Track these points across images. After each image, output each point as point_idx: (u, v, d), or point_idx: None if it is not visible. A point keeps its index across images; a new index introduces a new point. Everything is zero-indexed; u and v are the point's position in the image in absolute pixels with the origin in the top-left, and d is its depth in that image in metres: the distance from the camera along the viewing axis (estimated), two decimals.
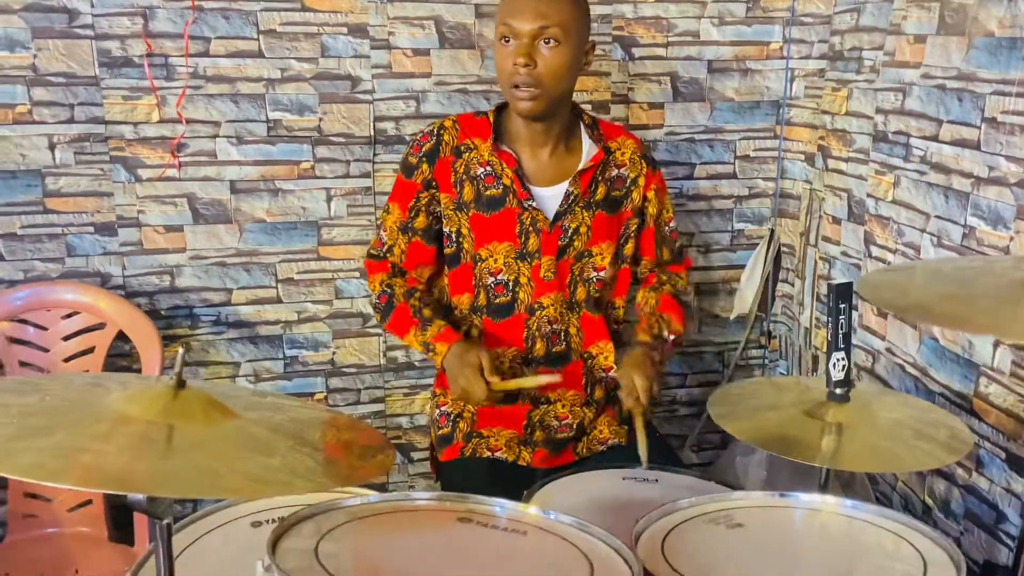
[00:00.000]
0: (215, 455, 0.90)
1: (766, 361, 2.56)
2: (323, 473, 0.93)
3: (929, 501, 1.94)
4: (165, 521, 0.96)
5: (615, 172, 1.80)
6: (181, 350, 0.97)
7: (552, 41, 1.62)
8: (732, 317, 2.51)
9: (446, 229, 1.77)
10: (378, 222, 1.85)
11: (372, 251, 1.85)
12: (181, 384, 0.97)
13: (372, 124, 2.19)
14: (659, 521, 1.21)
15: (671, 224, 1.90)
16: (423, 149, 1.75)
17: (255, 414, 1.01)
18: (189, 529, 1.23)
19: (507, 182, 1.73)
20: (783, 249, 2.47)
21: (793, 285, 2.47)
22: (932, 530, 1.16)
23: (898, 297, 1.27)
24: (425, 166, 1.75)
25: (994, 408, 1.73)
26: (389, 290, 1.79)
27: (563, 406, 1.82)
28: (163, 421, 0.94)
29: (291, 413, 1.05)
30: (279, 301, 2.25)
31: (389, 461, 1.01)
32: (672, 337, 1.80)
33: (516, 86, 1.64)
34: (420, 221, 1.78)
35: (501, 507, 1.16)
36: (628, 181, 1.81)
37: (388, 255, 1.81)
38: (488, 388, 1.65)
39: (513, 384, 1.72)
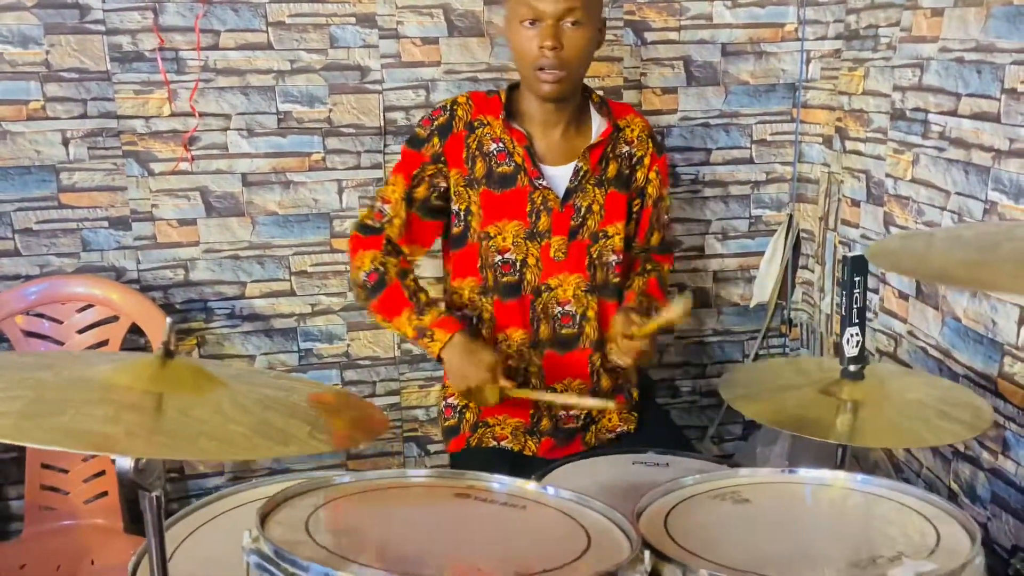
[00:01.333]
0: (202, 420, 0.89)
1: (787, 350, 2.51)
2: (313, 435, 0.91)
3: (955, 486, 1.88)
4: (154, 493, 0.95)
5: (625, 149, 1.78)
6: (169, 319, 0.97)
7: (576, 23, 1.62)
8: (752, 305, 2.47)
9: (454, 207, 1.75)
10: (375, 194, 1.81)
11: (367, 222, 1.76)
12: (169, 354, 0.96)
13: (382, 114, 2.19)
14: (664, 498, 1.18)
15: (668, 214, 1.88)
16: (435, 123, 1.74)
17: (244, 385, 0.99)
18: (190, 519, 1.23)
19: (519, 160, 1.71)
20: (802, 235, 2.42)
21: (813, 271, 2.42)
22: (944, 501, 1.12)
23: (918, 264, 1.23)
24: (436, 139, 1.73)
25: (1020, 388, 1.67)
26: (382, 267, 1.72)
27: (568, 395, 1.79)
28: (152, 389, 0.93)
29: (283, 384, 1.04)
30: (293, 294, 2.25)
31: (380, 427, 0.99)
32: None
33: (542, 68, 1.63)
34: (421, 191, 1.74)
35: (500, 483, 1.14)
36: (634, 159, 1.79)
37: (387, 226, 1.74)
38: (500, 393, 1.64)
39: (534, 395, 1.70)
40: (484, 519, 1.05)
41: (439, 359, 1.70)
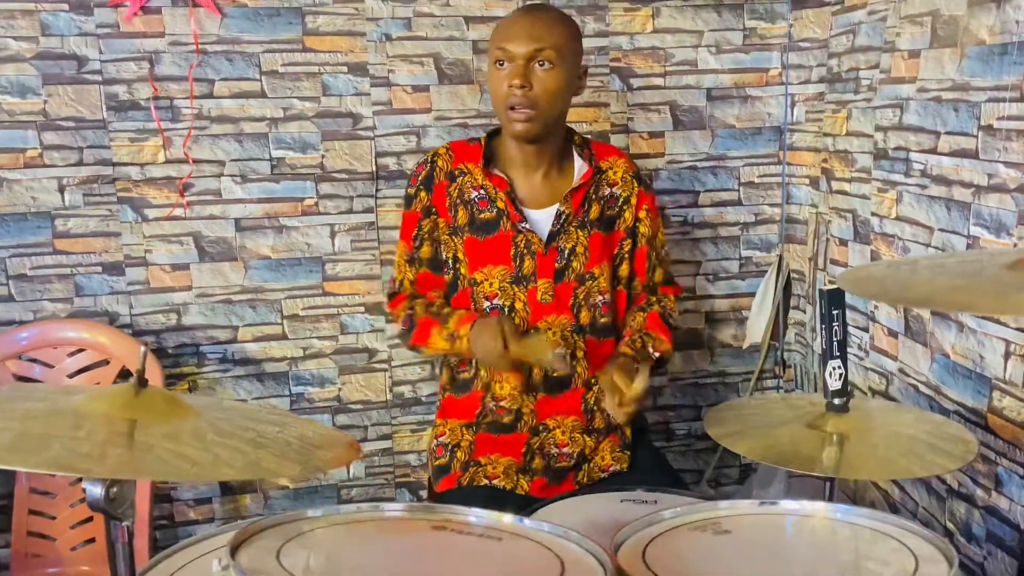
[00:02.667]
0: (172, 444, 0.89)
1: (781, 391, 2.50)
2: (283, 458, 0.91)
3: (951, 526, 1.85)
4: (124, 524, 0.95)
5: (608, 191, 1.80)
6: (143, 348, 0.97)
7: (547, 63, 1.64)
8: (745, 347, 2.47)
9: (444, 255, 1.78)
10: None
11: (388, 290, 1.88)
12: (143, 383, 0.97)
13: (374, 160, 2.23)
14: (644, 530, 1.17)
15: (665, 248, 1.89)
16: (420, 177, 1.78)
17: (217, 414, 1.00)
18: (174, 559, 1.22)
19: (501, 205, 1.73)
20: (793, 275, 2.43)
21: (805, 312, 2.42)
22: (923, 529, 1.11)
23: (900, 289, 1.23)
24: (423, 193, 1.77)
25: (1010, 423, 1.66)
26: (411, 311, 1.79)
27: (563, 432, 1.79)
28: (125, 416, 0.94)
29: (254, 415, 1.04)
30: (285, 337, 2.26)
31: (351, 454, 0.99)
32: (657, 355, 1.77)
33: (512, 108, 1.65)
34: (425, 250, 1.79)
35: (477, 516, 1.13)
36: (620, 200, 1.80)
37: (400, 289, 1.83)
38: (505, 349, 1.59)
39: (526, 349, 1.62)
40: (459, 550, 1.04)
41: (470, 353, 1.70)
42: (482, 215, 1.74)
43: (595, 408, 1.79)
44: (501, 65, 1.66)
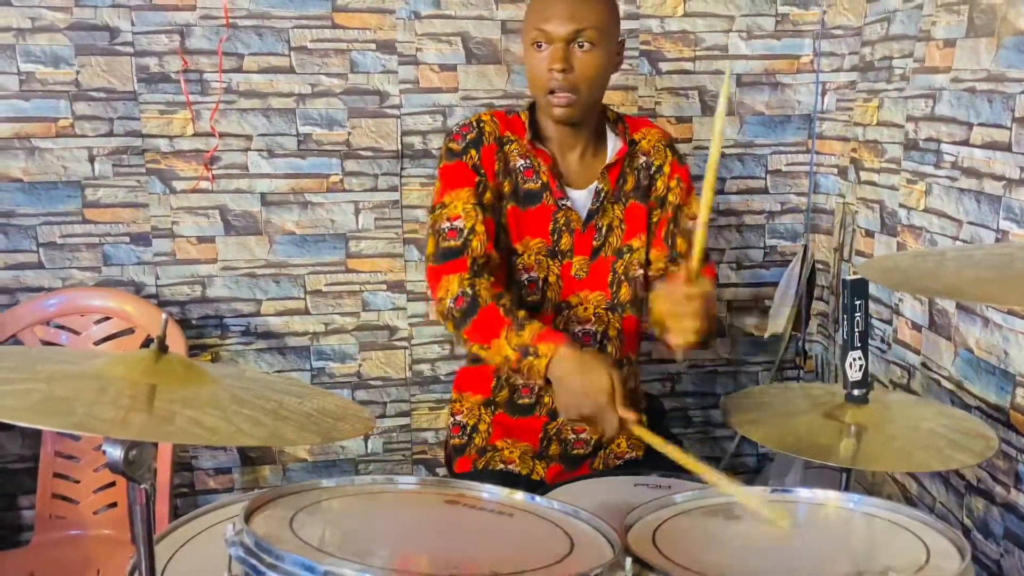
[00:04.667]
0: (195, 412, 0.91)
1: (801, 382, 2.48)
2: (301, 427, 0.92)
3: (968, 521, 1.84)
4: (143, 486, 0.97)
5: (641, 160, 1.75)
6: (164, 315, 0.99)
7: (587, 44, 1.58)
8: (766, 336, 2.45)
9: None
10: (431, 226, 1.63)
11: (445, 245, 1.59)
12: (164, 349, 0.99)
13: (400, 138, 2.23)
14: (656, 512, 1.17)
15: (696, 220, 1.80)
16: (467, 138, 1.67)
17: (234, 382, 1.01)
18: (194, 523, 1.25)
19: (544, 179, 1.69)
20: (817, 265, 2.41)
21: (828, 303, 2.40)
22: (937, 521, 1.10)
23: (925, 280, 1.20)
24: (473, 151, 1.66)
25: None
26: (471, 289, 1.54)
27: None
28: (144, 380, 0.95)
29: (270, 384, 1.06)
30: (307, 312, 2.28)
31: (365, 426, 1.00)
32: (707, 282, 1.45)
33: (552, 91, 1.60)
34: (487, 197, 1.64)
35: (490, 492, 1.14)
36: (653, 168, 1.75)
37: (469, 238, 1.58)
38: (622, 425, 1.37)
39: (658, 444, 1.36)
40: (470, 524, 1.05)
41: (547, 381, 1.45)
42: (526, 185, 1.69)
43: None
44: (539, 47, 1.60)
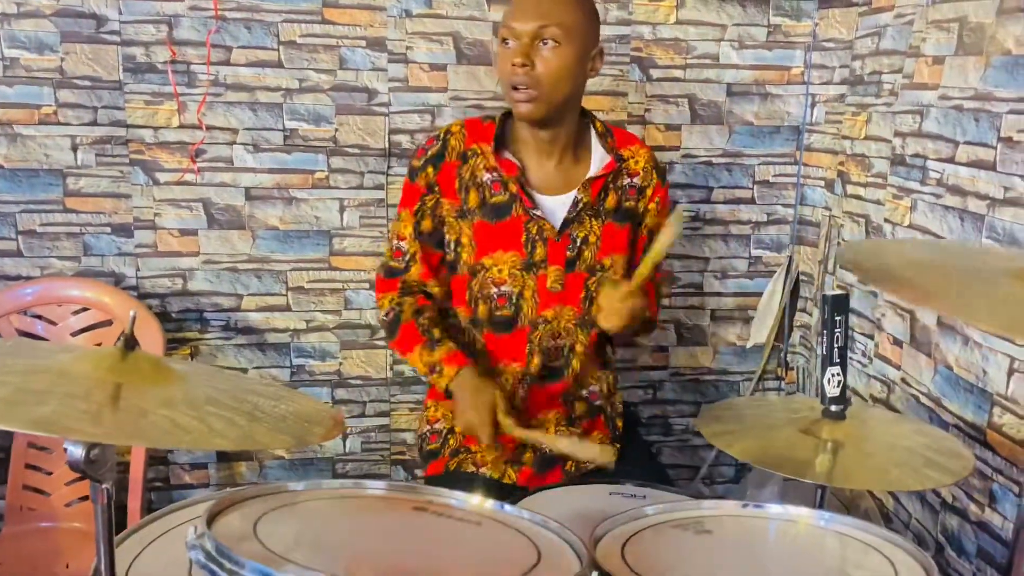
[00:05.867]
0: (156, 409, 0.90)
1: (783, 393, 2.48)
2: (270, 430, 0.91)
3: (942, 539, 1.84)
4: (105, 485, 0.95)
5: (627, 181, 1.74)
6: (132, 312, 0.97)
7: (551, 42, 1.58)
8: (748, 346, 2.45)
9: (447, 237, 1.75)
10: (391, 234, 1.80)
11: (391, 264, 1.77)
12: (131, 346, 0.97)
13: (387, 136, 2.22)
14: (626, 525, 1.17)
15: None
16: (428, 153, 1.72)
17: (205, 380, 1.00)
18: (156, 524, 1.23)
19: (513, 189, 1.68)
20: (801, 277, 2.41)
21: (811, 315, 2.40)
22: (905, 541, 1.09)
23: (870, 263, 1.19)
24: (430, 169, 1.71)
25: (1008, 440, 1.64)
26: (398, 307, 1.74)
27: (545, 429, 1.76)
28: (110, 379, 0.94)
29: (242, 383, 1.04)
30: (288, 309, 2.27)
31: (336, 430, 0.99)
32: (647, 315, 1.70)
33: (515, 87, 1.61)
34: (426, 224, 1.73)
35: (458, 499, 1.13)
36: (638, 191, 1.76)
37: (409, 264, 1.74)
38: (496, 433, 1.59)
39: (525, 436, 1.63)
40: (436, 532, 1.04)
41: (447, 393, 1.69)
42: (494, 198, 1.69)
43: (573, 398, 1.77)
44: (507, 44, 1.61)
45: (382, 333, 2.28)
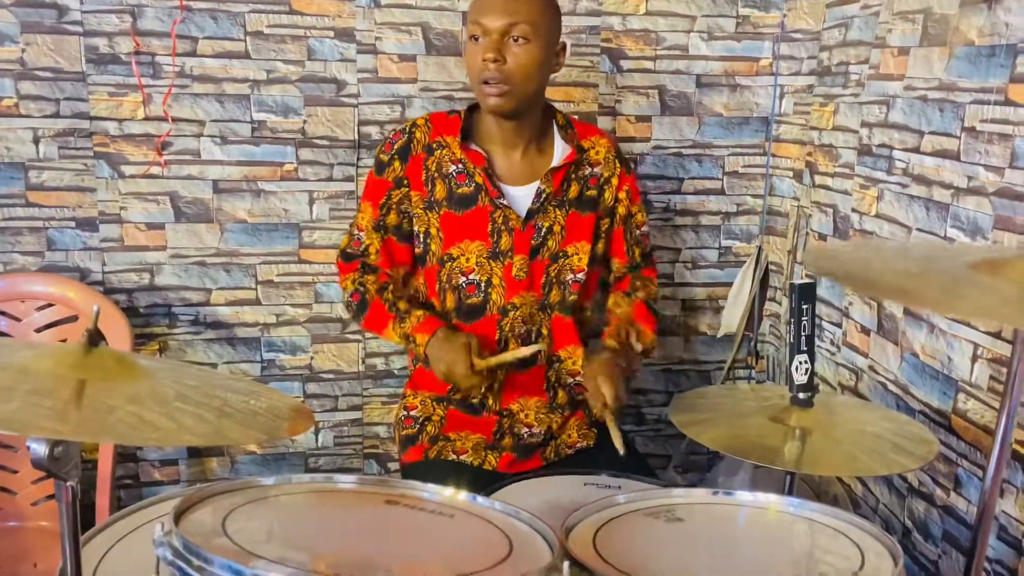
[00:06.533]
0: (121, 405, 0.88)
1: (753, 382, 2.51)
2: (240, 425, 0.90)
3: (909, 523, 1.87)
4: (69, 483, 0.94)
5: (588, 171, 1.79)
6: (96, 306, 0.96)
7: (521, 39, 1.62)
8: (719, 336, 2.47)
9: (416, 229, 1.76)
10: (352, 225, 1.82)
11: (348, 250, 1.81)
12: (95, 342, 0.96)
13: (356, 128, 2.20)
14: (598, 514, 1.17)
15: (643, 228, 1.88)
16: (395, 146, 1.75)
17: (173, 375, 0.99)
18: (124, 521, 1.22)
19: (479, 180, 1.72)
20: (771, 267, 2.43)
21: (780, 304, 2.42)
22: (872, 525, 1.11)
23: (852, 269, 1.21)
24: (397, 163, 1.74)
25: (972, 425, 1.67)
26: (362, 288, 1.76)
27: (525, 415, 1.78)
28: (74, 376, 0.92)
29: (210, 379, 1.03)
30: (258, 303, 2.25)
31: (305, 424, 0.98)
32: (640, 348, 1.74)
33: (485, 82, 1.64)
34: (392, 218, 1.76)
35: (430, 492, 1.13)
36: (601, 180, 1.80)
37: (364, 255, 1.79)
38: (472, 368, 1.61)
39: (495, 360, 1.66)
40: (409, 525, 1.04)
41: (425, 360, 1.70)
42: (460, 189, 1.72)
43: (557, 385, 1.79)
44: (476, 40, 1.65)
45: (354, 327, 2.28)
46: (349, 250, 1.81)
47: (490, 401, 1.77)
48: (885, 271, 1.07)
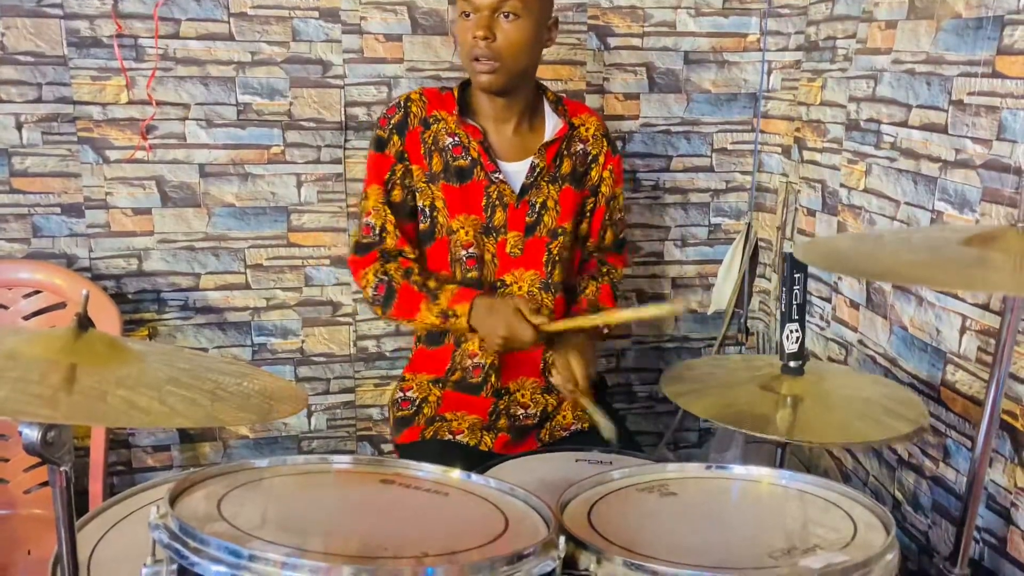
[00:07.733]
0: (113, 389, 0.88)
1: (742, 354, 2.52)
2: (233, 408, 0.90)
3: (899, 495, 1.89)
4: (63, 468, 0.94)
5: (579, 147, 1.79)
6: (85, 291, 0.95)
7: (511, 15, 1.62)
8: (709, 312, 2.47)
9: (420, 203, 1.75)
10: (358, 213, 1.78)
11: (363, 241, 1.74)
12: (85, 326, 0.95)
13: (343, 109, 2.18)
14: (592, 489, 1.18)
15: (621, 213, 1.89)
16: (392, 121, 1.74)
17: (164, 359, 0.98)
18: (118, 507, 1.22)
19: (474, 154, 1.72)
20: (760, 243, 2.43)
21: (770, 280, 2.43)
22: (865, 497, 1.12)
23: (865, 263, 1.22)
24: (396, 138, 1.73)
25: (960, 396, 1.68)
26: (386, 276, 1.70)
27: (522, 395, 1.79)
28: (65, 360, 0.92)
29: (202, 362, 1.03)
30: (248, 287, 2.24)
31: (299, 405, 0.98)
32: (606, 330, 1.79)
33: (476, 59, 1.64)
34: (396, 195, 1.74)
35: (426, 471, 1.13)
36: (589, 157, 1.81)
37: (382, 235, 1.73)
38: (536, 329, 1.58)
39: (563, 325, 1.63)
40: (405, 504, 1.04)
41: (472, 331, 1.66)
42: (456, 162, 1.72)
43: (553, 367, 1.80)
44: (467, 16, 1.64)
45: (344, 309, 2.28)
46: (363, 240, 1.75)
47: (492, 379, 1.77)
48: (896, 263, 1.08)
